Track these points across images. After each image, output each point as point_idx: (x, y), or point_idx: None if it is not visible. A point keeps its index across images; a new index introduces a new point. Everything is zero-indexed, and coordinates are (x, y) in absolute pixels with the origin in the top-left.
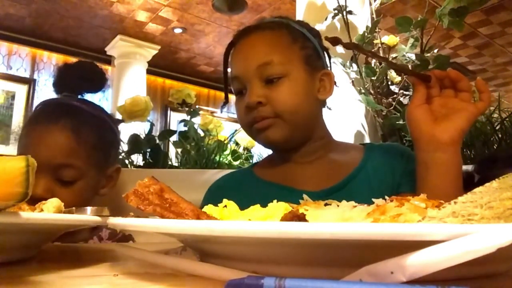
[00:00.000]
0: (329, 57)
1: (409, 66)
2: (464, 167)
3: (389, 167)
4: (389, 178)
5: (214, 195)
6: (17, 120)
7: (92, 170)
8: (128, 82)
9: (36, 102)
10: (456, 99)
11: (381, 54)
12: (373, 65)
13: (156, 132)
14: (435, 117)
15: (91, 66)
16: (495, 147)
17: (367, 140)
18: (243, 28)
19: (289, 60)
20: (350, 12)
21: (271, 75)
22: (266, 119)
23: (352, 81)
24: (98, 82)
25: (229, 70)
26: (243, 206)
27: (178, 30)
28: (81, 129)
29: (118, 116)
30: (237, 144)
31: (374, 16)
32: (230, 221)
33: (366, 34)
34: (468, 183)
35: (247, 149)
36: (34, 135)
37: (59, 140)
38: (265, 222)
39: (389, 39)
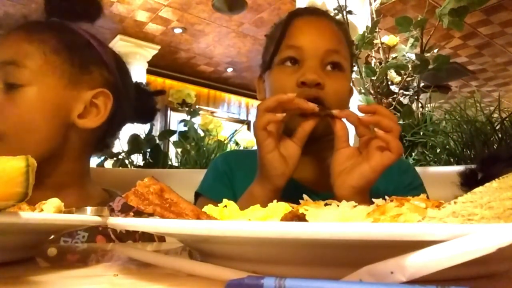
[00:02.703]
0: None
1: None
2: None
3: (383, 180)
4: (381, 192)
5: (227, 160)
6: None
7: (48, 79)
8: None
9: None
10: (366, 148)
11: (381, 54)
12: (373, 65)
13: (156, 132)
14: (345, 166)
15: None
16: (495, 147)
17: None
18: (311, 6)
19: (348, 59)
20: (350, 12)
21: (335, 62)
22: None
23: (352, 81)
24: (93, 8)
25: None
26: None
27: (178, 30)
28: (39, 31)
29: None
30: (237, 144)
31: (374, 16)
32: (230, 221)
33: (366, 34)
34: (471, 180)
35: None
36: None
37: (7, 38)
38: (265, 222)
39: (389, 39)
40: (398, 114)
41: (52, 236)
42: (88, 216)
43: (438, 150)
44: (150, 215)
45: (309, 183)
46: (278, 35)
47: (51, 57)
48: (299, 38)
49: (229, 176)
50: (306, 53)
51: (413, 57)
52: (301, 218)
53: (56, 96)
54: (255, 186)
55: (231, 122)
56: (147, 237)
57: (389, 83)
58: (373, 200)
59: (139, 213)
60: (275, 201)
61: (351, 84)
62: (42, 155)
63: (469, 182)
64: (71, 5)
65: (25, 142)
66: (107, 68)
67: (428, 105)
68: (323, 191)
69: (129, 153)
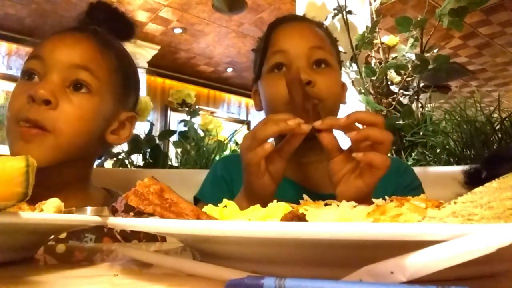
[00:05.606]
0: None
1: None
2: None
3: (382, 181)
4: (380, 193)
5: (227, 164)
6: None
7: (107, 95)
8: None
9: None
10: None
11: (381, 54)
12: (373, 65)
13: (156, 132)
14: (342, 174)
15: (122, 13)
16: (495, 147)
17: None
18: (289, 14)
19: (334, 54)
20: (350, 12)
21: (321, 58)
22: None
23: (352, 81)
24: (127, 26)
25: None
26: None
27: (178, 30)
28: (108, 47)
29: None
30: (237, 144)
31: (374, 16)
32: (230, 221)
33: (366, 34)
34: (475, 179)
35: None
36: (55, 38)
37: (83, 43)
38: (265, 222)
39: (389, 39)
40: (398, 114)
41: (52, 236)
42: (88, 216)
43: (438, 150)
44: (150, 215)
45: (307, 184)
46: (263, 46)
47: (114, 75)
48: (282, 43)
49: (227, 181)
50: (292, 55)
51: (413, 57)
52: (301, 218)
53: (107, 110)
54: (243, 201)
55: (231, 122)
56: (151, 237)
57: (389, 83)
58: (373, 200)
59: (139, 213)
60: (275, 201)
61: (351, 84)
62: (69, 158)
63: (473, 181)
64: (114, 23)
65: (68, 141)
66: (137, 94)
67: (428, 105)
68: (321, 192)
69: (129, 153)
